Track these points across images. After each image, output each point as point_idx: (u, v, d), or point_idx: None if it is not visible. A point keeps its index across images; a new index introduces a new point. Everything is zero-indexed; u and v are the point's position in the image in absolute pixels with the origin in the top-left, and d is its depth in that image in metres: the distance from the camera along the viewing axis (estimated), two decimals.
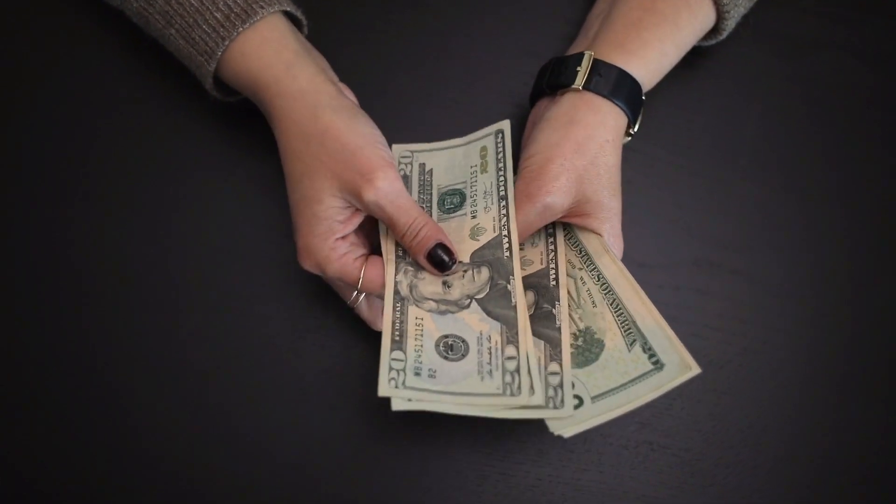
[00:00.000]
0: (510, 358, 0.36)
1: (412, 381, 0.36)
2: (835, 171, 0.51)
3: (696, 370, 0.36)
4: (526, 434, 0.45)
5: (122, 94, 0.49)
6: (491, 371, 0.36)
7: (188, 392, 0.45)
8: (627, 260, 0.47)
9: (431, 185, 0.44)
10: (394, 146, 0.47)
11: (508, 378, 0.35)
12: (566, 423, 0.36)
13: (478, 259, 0.40)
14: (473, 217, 0.42)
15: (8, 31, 0.49)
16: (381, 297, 0.40)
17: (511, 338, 0.37)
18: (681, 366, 0.36)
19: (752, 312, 0.48)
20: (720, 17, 0.45)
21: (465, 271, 0.40)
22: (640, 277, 0.47)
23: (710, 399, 0.47)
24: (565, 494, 0.45)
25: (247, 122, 0.47)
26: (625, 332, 0.39)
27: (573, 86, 0.42)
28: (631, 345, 0.39)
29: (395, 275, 0.40)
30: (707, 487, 0.46)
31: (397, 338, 0.38)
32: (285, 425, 0.45)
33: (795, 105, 0.51)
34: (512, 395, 0.35)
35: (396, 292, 0.40)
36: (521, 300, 0.38)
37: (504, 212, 0.41)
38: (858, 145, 0.51)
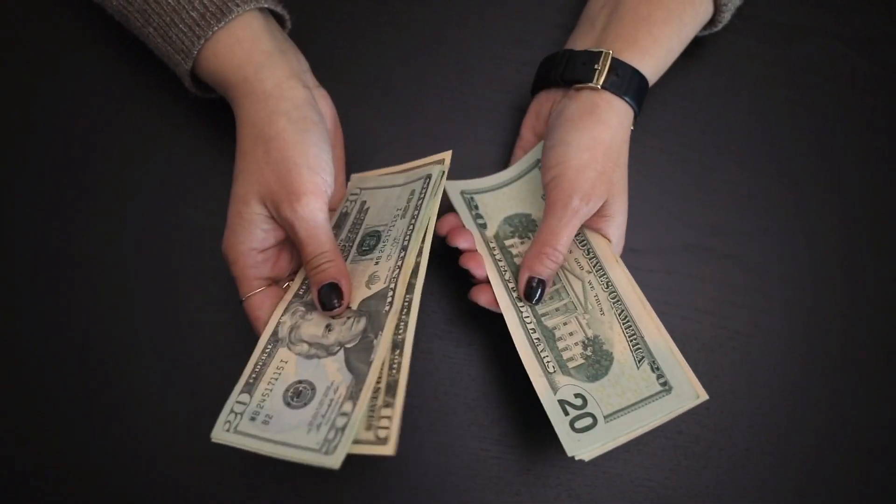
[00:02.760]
0: (343, 414, 0.34)
1: (245, 426, 0.36)
2: (824, 156, 0.51)
3: (703, 397, 0.37)
4: (521, 418, 0.46)
5: (117, 91, 0.49)
6: (321, 425, 0.35)
7: (187, 383, 0.45)
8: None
9: (362, 224, 0.44)
10: (352, 176, 0.47)
11: (332, 435, 0.34)
12: (582, 445, 0.36)
13: (363, 308, 0.39)
14: (377, 263, 0.41)
15: (8, 31, 0.50)
16: (253, 328, 0.40)
17: (353, 394, 0.35)
18: (689, 391, 0.37)
19: (743, 296, 0.48)
20: (717, 10, 0.45)
21: (349, 318, 0.39)
22: (632, 262, 0.48)
23: (702, 382, 0.46)
24: (559, 478, 0.45)
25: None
26: (633, 346, 0.39)
27: (591, 84, 0.42)
28: (639, 361, 0.39)
29: (283, 314, 0.40)
30: (701, 470, 0.46)
31: (251, 380, 0.38)
32: None
33: (784, 91, 0.52)
34: (327, 453, 0.33)
35: (274, 333, 0.40)
36: (378, 360, 0.36)
37: (399, 264, 0.39)
38: (847, 130, 0.52)
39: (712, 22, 0.47)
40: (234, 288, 0.46)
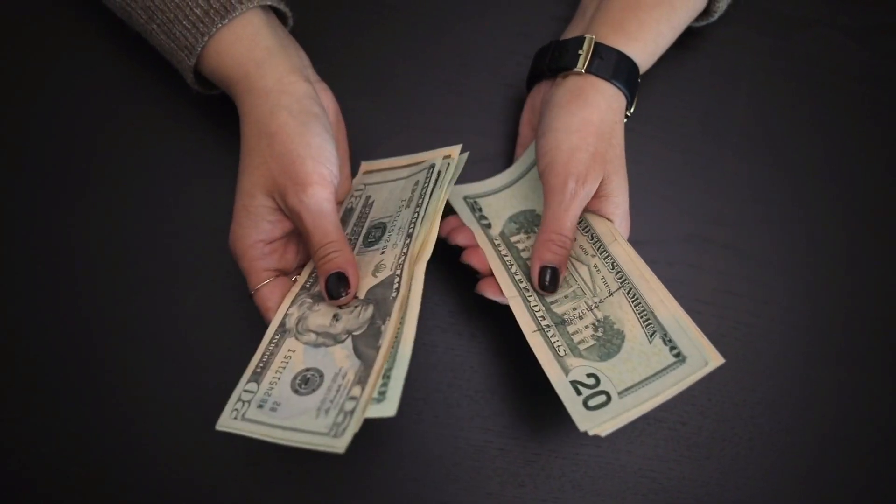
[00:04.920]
0: (352, 398, 0.34)
1: (252, 413, 0.36)
2: (824, 146, 0.51)
3: (717, 361, 0.36)
4: (524, 409, 0.46)
5: (118, 87, 0.49)
6: (329, 409, 0.35)
7: (184, 378, 0.45)
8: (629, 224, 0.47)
9: (367, 217, 0.44)
10: (362, 164, 0.47)
11: (340, 418, 0.34)
12: (596, 421, 0.35)
13: (370, 296, 0.39)
14: (382, 253, 0.41)
15: (9, 29, 0.50)
16: (264, 319, 0.40)
17: (362, 378, 0.35)
18: (702, 357, 0.36)
19: (744, 286, 0.48)
20: None
21: (356, 307, 0.39)
22: None
23: None
24: (563, 469, 0.45)
25: (237, 114, 0.48)
26: (644, 322, 0.39)
27: (575, 69, 0.42)
28: (651, 336, 0.38)
29: (290, 306, 0.40)
30: (703, 461, 0.46)
31: (259, 369, 0.38)
32: None
33: (784, 81, 0.52)
34: (335, 436, 0.33)
35: (281, 324, 0.40)
36: (386, 345, 0.36)
37: (405, 251, 0.39)
38: (846, 120, 0.52)
39: (708, 12, 0.47)
40: (237, 283, 0.46)
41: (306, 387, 0.37)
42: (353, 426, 0.33)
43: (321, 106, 0.42)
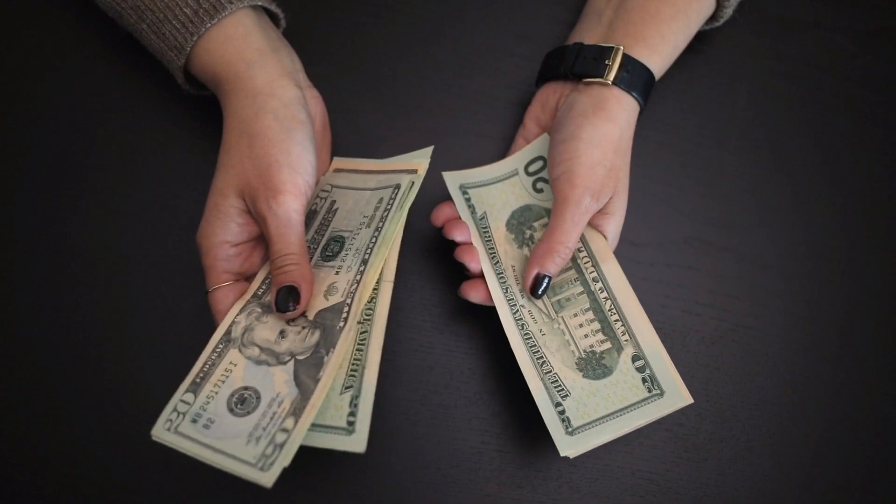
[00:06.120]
0: (284, 430, 0.34)
1: (186, 428, 0.36)
2: (823, 150, 0.51)
3: (689, 400, 0.38)
4: (522, 411, 0.46)
5: (116, 89, 0.49)
6: (260, 437, 0.34)
7: (182, 375, 0.45)
8: (619, 239, 0.47)
9: (329, 225, 0.43)
10: (334, 160, 0.47)
11: (269, 450, 0.33)
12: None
13: (319, 320, 0.38)
14: (337, 273, 0.40)
15: (8, 31, 0.50)
16: (215, 321, 0.40)
17: (297, 410, 0.35)
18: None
19: (743, 289, 0.49)
20: (720, 5, 0.46)
21: (304, 328, 0.39)
22: (632, 256, 0.48)
23: (702, 374, 0.47)
24: (560, 470, 0.45)
25: None
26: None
27: (601, 79, 0.42)
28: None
29: (238, 314, 0.40)
30: (701, 462, 0.46)
31: (198, 380, 0.37)
32: None
33: (783, 84, 0.52)
34: (262, 469, 0.33)
35: (227, 332, 0.39)
36: (326, 378, 0.35)
37: (358, 279, 0.38)
38: (846, 124, 0.52)
39: (714, 17, 0.47)
40: None
41: (242, 407, 0.36)
42: (282, 460, 0.33)
43: (308, 113, 0.42)
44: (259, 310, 0.40)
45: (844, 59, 0.52)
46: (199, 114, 0.49)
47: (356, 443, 0.34)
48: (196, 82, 0.44)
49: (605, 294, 0.41)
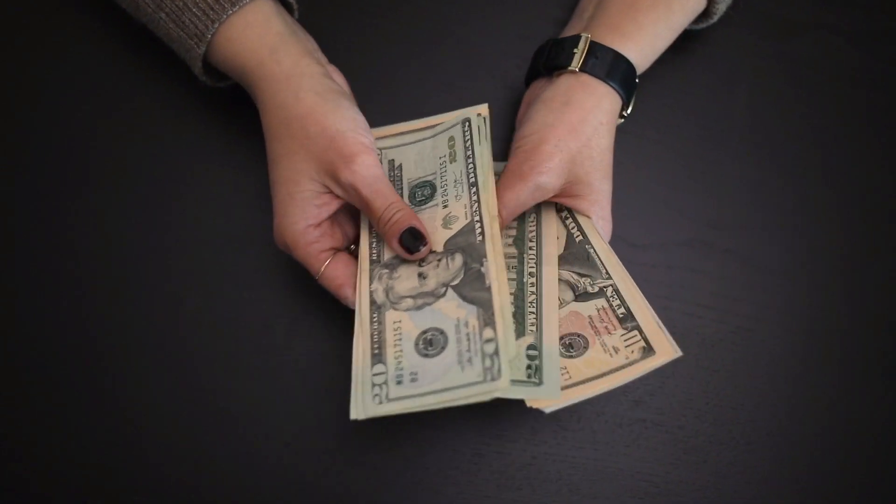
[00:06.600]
0: (488, 341, 0.35)
1: (395, 391, 0.35)
2: (823, 150, 0.51)
3: (678, 353, 0.37)
4: (520, 412, 0.46)
5: (120, 87, 0.49)
6: (471, 358, 0.35)
7: (184, 376, 0.45)
8: (620, 241, 0.48)
9: (402, 179, 0.44)
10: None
11: (488, 362, 0.34)
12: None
13: (451, 246, 0.39)
14: (445, 206, 0.41)
15: (14, 24, 0.50)
16: (340, 296, 0.40)
17: (488, 319, 0.36)
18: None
19: (744, 291, 0.48)
20: (710, 0, 0.45)
21: (440, 260, 0.39)
22: (633, 257, 0.48)
23: (703, 377, 0.47)
24: (560, 472, 0.45)
25: (241, 109, 0.48)
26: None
27: (569, 67, 0.42)
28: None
29: (370, 284, 0.40)
30: (701, 464, 0.46)
31: (377, 350, 0.37)
32: (281, 409, 0.45)
33: (783, 86, 0.52)
34: (493, 379, 0.34)
35: (373, 302, 0.39)
36: (496, 282, 0.37)
37: (475, 198, 0.40)
38: (845, 124, 0.52)
39: (707, 14, 0.46)
40: (237, 282, 0.46)
41: (433, 348, 0.36)
42: (505, 365, 0.34)
43: (338, 84, 0.42)
44: (385, 270, 0.40)
45: (845, 60, 0.52)
46: (205, 110, 0.49)
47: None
48: (214, 73, 0.44)
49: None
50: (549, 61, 0.44)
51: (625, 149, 0.49)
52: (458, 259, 0.39)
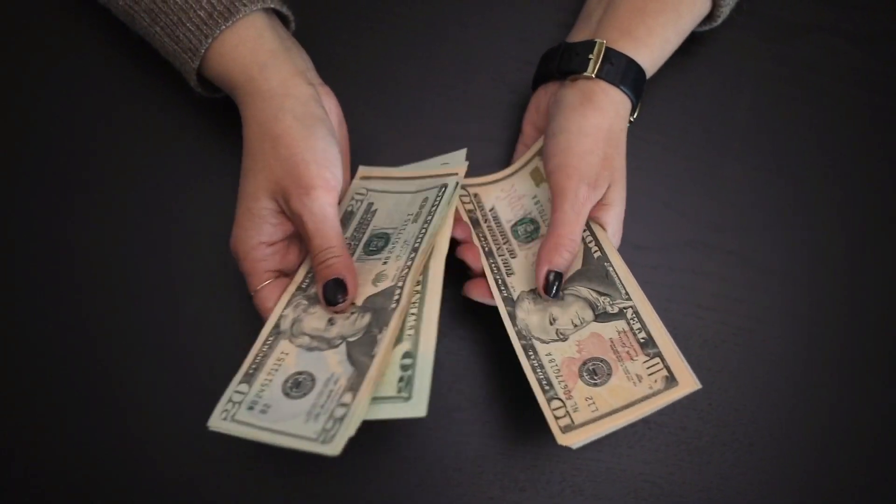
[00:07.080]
0: (342, 405, 0.34)
1: (242, 415, 0.36)
2: (826, 153, 0.51)
3: (698, 385, 0.36)
4: (525, 413, 0.46)
5: (120, 91, 0.49)
6: (318, 415, 0.35)
7: (184, 378, 0.46)
8: (622, 242, 0.47)
9: (369, 224, 0.44)
10: (360, 168, 0.47)
11: (330, 424, 0.34)
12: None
13: (368, 305, 0.39)
14: (385, 263, 0.41)
15: (11, 33, 0.50)
16: (263, 319, 0.40)
17: (354, 385, 0.35)
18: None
19: (746, 292, 0.49)
20: (715, 4, 0.45)
21: (353, 313, 0.39)
22: (635, 259, 0.48)
23: (705, 378, 0.47)
24: (563, 474, 0.45)
25: (238, 117, 0.48)
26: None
27: (586, 73, 0.42)
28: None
29: (285, 307, 0.40)
30: (704, 465, 0.46)
31: (251, 371, 0.38)
32: None
33: (786, 88, 0.52)
34: (324, 442, 0.33)
35: (276, 326, 0.40)
36: (380, 354, 0.36)
37: (409, 264, 0.39)
38: (848, 126, 0.52)
39: (711, 17, 0.47)
40: (236, 286, 0.47)
41: (297, 390, 0.37)
42: (344, 431, 0.33)
43: (324, 109, 0.42)
44: (305, 302, 0.41)
45: (847, 62, 0.52)
46: (202, 116, 0.49)
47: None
48: (208, 85, 0.44)
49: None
50: (563, 65, 0.43)
51: (627, 150, 0.49)
52: (366, 319, 0.38)
